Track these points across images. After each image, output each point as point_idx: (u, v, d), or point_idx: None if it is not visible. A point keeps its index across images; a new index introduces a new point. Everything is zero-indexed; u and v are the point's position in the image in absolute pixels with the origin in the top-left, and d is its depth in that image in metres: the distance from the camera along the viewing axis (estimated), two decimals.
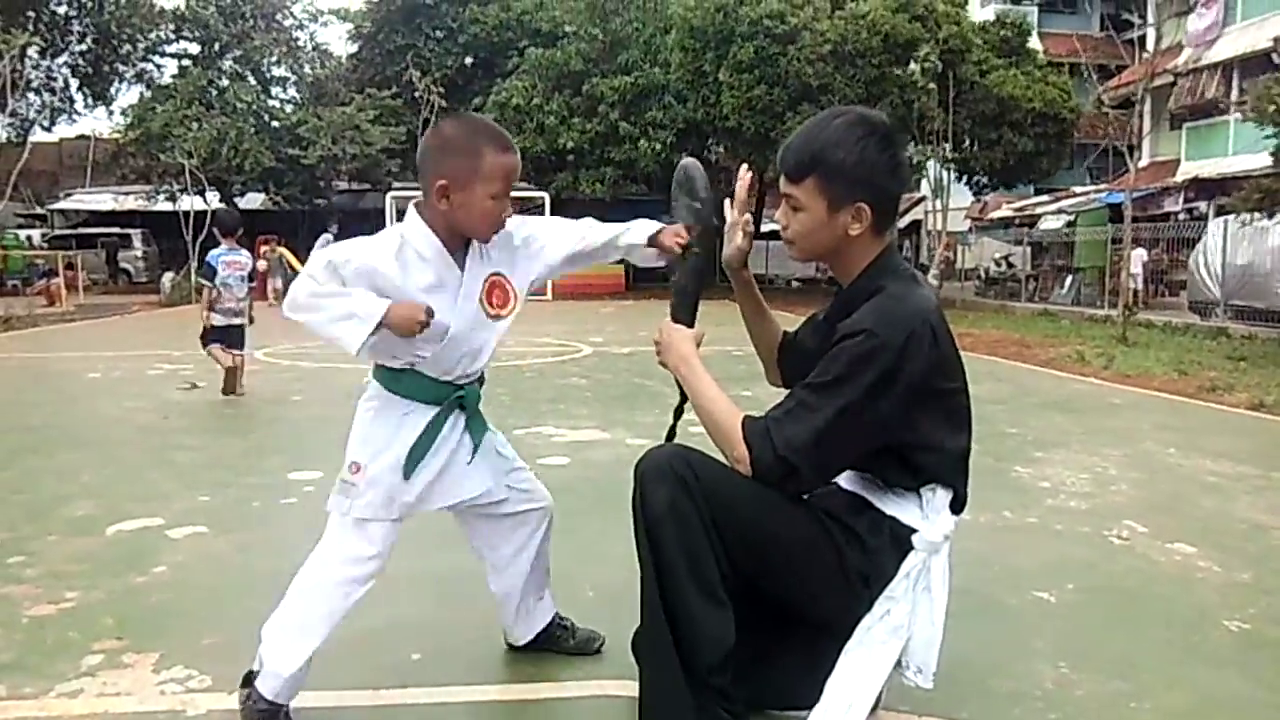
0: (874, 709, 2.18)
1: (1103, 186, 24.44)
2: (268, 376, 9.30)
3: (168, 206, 27.93)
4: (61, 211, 33.79)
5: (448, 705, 2.37)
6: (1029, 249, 24.57)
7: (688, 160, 2.26)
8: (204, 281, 7.68)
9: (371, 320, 2.01)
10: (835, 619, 1.99)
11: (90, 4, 29.03)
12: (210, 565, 3.46)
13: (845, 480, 2.16)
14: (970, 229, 31.64)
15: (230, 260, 7.60)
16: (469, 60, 31.66)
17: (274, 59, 31.11)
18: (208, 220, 25.00)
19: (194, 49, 31.23)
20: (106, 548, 3.66)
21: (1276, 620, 2.96)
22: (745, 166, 2.23)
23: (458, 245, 2.18)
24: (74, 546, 3.65)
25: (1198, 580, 3.34)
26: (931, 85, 17.48)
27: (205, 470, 5.02)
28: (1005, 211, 28.90)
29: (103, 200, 32.55)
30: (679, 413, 2.24)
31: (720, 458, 2.01)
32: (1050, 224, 25.22)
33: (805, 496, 2.06)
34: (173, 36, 30.92)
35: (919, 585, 1.99)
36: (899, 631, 1.97)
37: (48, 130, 31.68)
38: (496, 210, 2.14)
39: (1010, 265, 25.92)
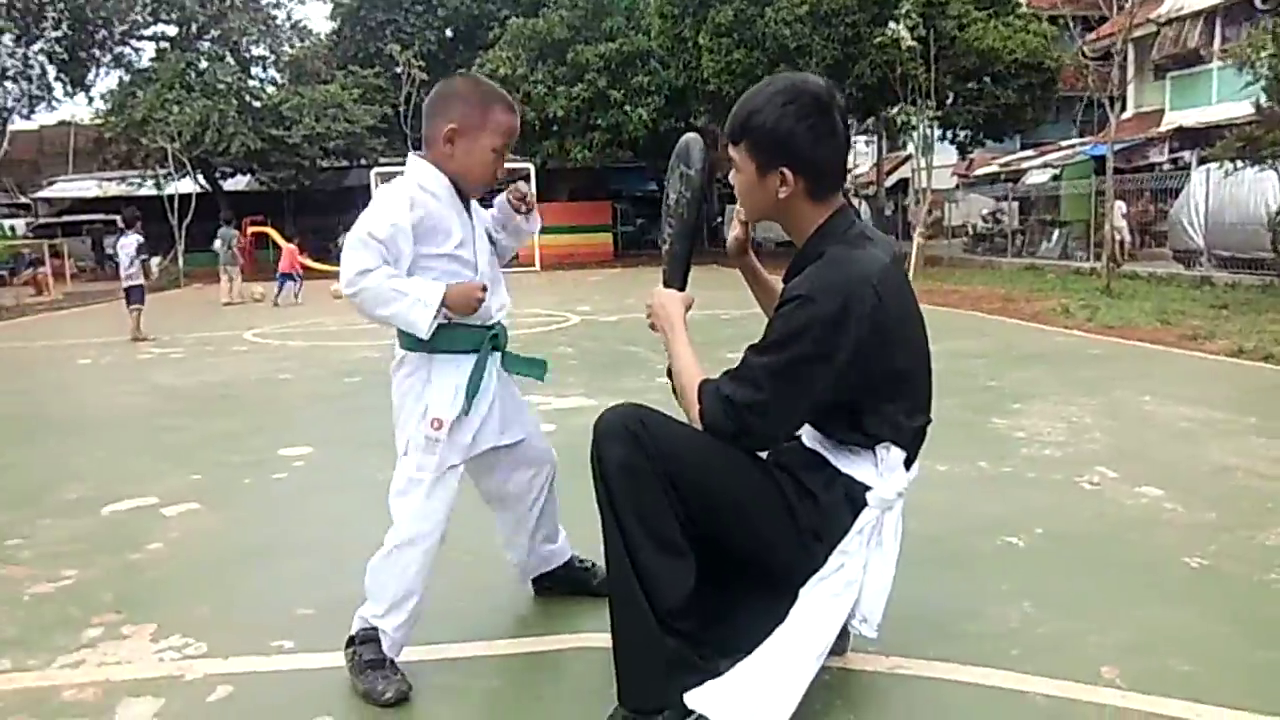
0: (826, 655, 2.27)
1: (1088, 139, 24.44)
2: (257, 356, 9.37)
3: (152, 191, 27.78)
4: (46, 200, 33.57)
5: (436, 661, 2.46)
6: (1015, 204, 24.59)
7: (690, 135, 2.34)
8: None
9: (433, 306, 2.18)
10: (791, 571, 2.07)
11: None
12: (204, 540, 3.55)
13: (806, 438, 2.24)
14: (957, 186, 31.64)
15: (121, 243, 11.57)
16: (449, 33, 31.50)
17: (253, 38, 30.83)
18: (193, 203, 25.12)
19: (171, 31, 30.96)
20: (102, 527, 3.75)
21: (1234, 556, 3.06)
22: None
23: (460, 197, 2.36)
24: (70, 528, 3.73)
25: (1163, 522, 3.45)
26: (913, 43, 17.38)
27: (197, 450, 5.10)
28: (992, 167, 28.93)
29: (86, 187, 32.31)
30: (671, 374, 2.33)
31: (680, 416, 2.10)
32: (1036, 178, 25.24)
33: (765, 453, 2.15)
34: (149, 19, 30.58)
35: (871, 540, 2.07)
36: (851, 586, 2.05)
37: (26, 118, 31.41)
38: (494, 164, 2.32)
39: (998, 221, 25.95)
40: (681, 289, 2.29)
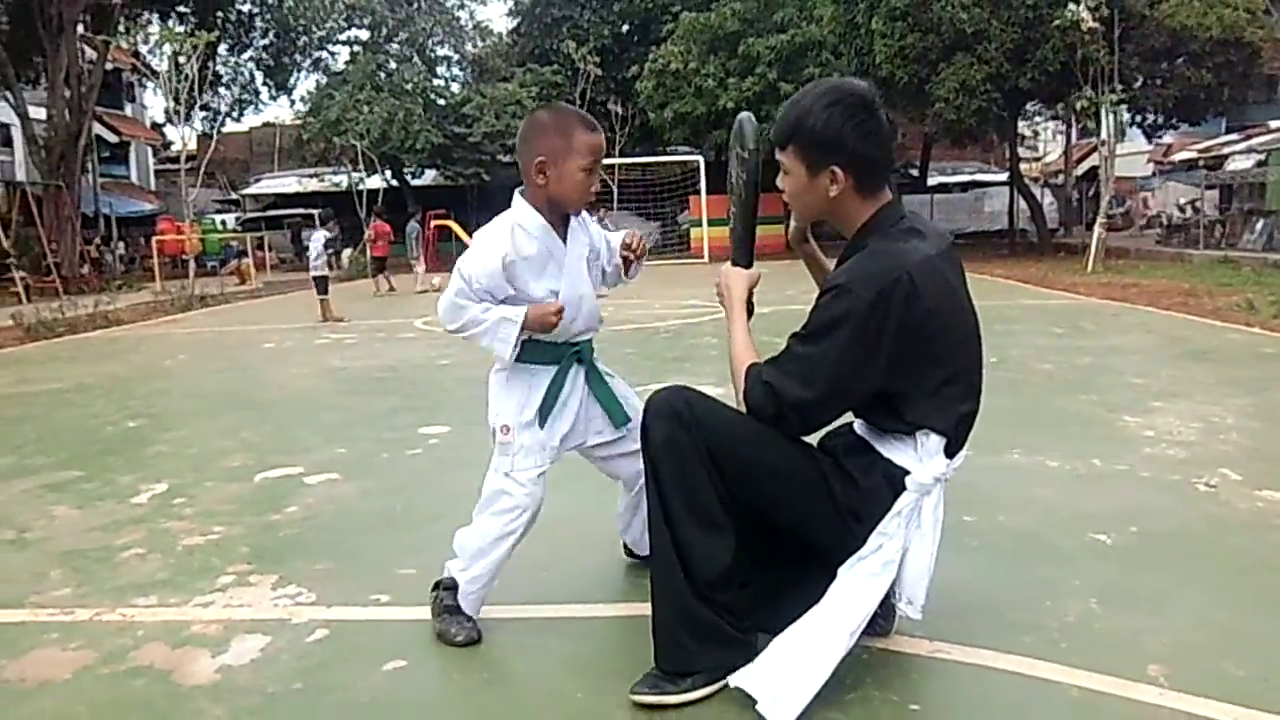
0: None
1: None
2: (422, 342, 9.98)
3: (345, 187, 29.69)
4: (253, 196, 36.42)
5: (501, 620, 2.67)
6: (1216, 192, 22.90)
7: (743, 114, 2.48)
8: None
9: (513, 333, 2.42)
10: (831, 550, 2.16)
11: (271, 0, 31.13)
12: (334, 506, 3.93)
13: (856, 424, 2.33)
14: (1154, 173, 29.71)
15: (313, 237, 13.52)
16: (624, 28, 32.09)
17: (438, 39, 32.48)
18: (380, 197, 26.68)
19: (363, 35, 33.08)
20: (252, 492, 4.20)
21: None
22: None
23: (559, 222, 2.56)
24: (226, 491, 4.21)
25: (1273, 527, 3.29)
26: (1095, 24, 16.50)
27: (348, 427, 5.57)
28: (1190, 153, 27.02)
29: (287, 183, 34.90)
30: None
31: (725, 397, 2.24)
32: (1239, 164, 23.43)
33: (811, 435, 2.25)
34: (344, 25, 32.90)
35: (910, 523, 2.14)
36: (889, 566, 2.13)
37: (237, 121, 34.35)
38: (587, 182, 2.50)
39: (1196, 210, 24.25)
40: (747, 267, 2.42)
